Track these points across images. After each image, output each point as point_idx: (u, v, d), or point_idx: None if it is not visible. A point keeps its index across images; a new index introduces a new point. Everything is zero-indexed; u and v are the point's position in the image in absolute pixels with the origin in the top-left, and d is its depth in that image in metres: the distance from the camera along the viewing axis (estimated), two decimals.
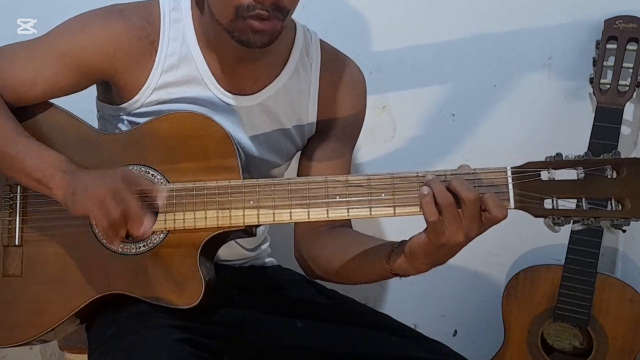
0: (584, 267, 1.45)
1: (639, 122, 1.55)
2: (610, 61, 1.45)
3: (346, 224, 1.11)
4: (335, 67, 1.11)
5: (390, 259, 0.89)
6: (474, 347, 1.60)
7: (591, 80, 1.46)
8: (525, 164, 0.83)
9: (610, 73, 1.44)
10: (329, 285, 1.16)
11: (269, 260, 1.24)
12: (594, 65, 1.46)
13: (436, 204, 0.81)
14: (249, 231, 0.96)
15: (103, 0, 1.08)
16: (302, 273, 1.18)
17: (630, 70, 1.43)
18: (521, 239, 1.64)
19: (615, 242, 1.63)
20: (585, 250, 1.44)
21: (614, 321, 1.46)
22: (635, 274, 1.59)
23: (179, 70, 1.02)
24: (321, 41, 1.12)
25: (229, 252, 1.13)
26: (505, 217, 0.81)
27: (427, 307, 1.70)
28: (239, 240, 1.14)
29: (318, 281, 1.16)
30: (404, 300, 1.69)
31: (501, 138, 1.57)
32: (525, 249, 1.65)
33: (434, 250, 0.83)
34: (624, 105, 1.43)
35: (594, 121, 1.43)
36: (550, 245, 1.59)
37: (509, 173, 0.83)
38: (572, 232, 1.45)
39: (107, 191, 0.87)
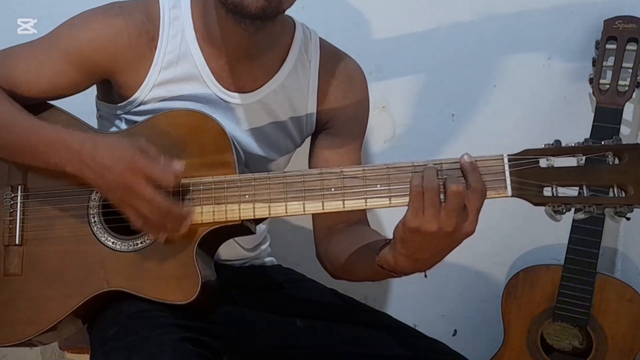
0: (584, 267, 1.45)
1: (638, 122, 1.55)
2: (610, 61, 1.45)
3: (362, 221, 1.10)
4: (334, 65, 1.11)
5: (380, 250, 0.88)
6: (474, 347, 1.59)
7: (591, 81, 1.46)
8: (523, 151, 0.83)
9: (609, 73, 1.44)
10: (329, 284, 1.16)
11: (268, 259, 1.24)
12: (594, 65, 1.46)
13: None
14: (248, 228, 0.96)
15: None
16: (302, 272, 1.19)
17: (630, 71, 1.43)
18: (521, 239, 1.64)
19: (614, 242, 1.63)
20: (584, 250, 1.44)
21: (613, 321, 1.46)
22: (635, 274, 1.59)
23: (178, 67, 1.03)
24: (320, 39, 1.12)
25: (229, 252, 1.14)
26: (483, 195, 0.80)
27: (427, 307, 1.70)
28: (238, 240, 1.14)
29: (319, 280, 1.16)
30: (404, 300, 1.69)
31: (501, 138, 1.56)
32: (525, 249, 1.65)
33: (408, 236, 0.81)
34: (624, 106, 1.43)
35: (594, 121, 1.43)
36: (550, 245, 1.59)
37: (506, 160, 0.83)
38: (572, 231, 1.45)
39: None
